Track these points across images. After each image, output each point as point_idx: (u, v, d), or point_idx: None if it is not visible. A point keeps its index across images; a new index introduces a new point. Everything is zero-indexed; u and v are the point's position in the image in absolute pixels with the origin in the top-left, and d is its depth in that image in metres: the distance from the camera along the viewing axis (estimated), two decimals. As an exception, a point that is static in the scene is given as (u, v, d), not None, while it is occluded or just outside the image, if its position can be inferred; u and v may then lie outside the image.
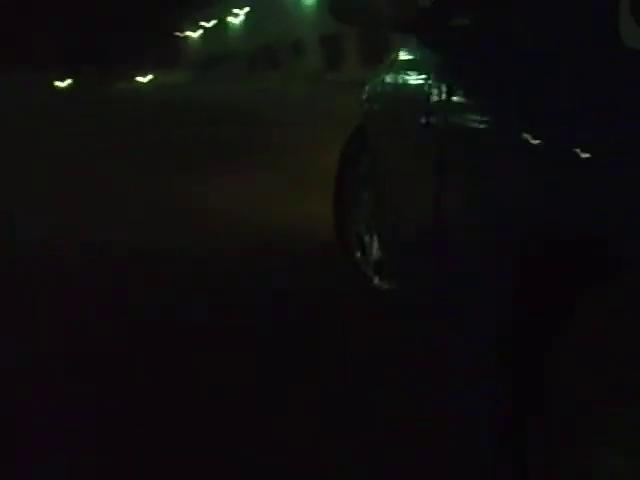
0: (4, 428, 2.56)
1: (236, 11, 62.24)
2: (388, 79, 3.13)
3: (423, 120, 2.08)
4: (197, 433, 2.52)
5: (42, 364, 3.05)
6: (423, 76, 2.48)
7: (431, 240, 1.99)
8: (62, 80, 65.86)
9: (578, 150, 1.20)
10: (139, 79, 69.85)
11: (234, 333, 3.34)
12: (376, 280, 3.56)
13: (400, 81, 2.88)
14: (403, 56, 2.94)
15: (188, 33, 77.76)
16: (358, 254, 3.73)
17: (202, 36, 74.83)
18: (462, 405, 1.81)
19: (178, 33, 78.39)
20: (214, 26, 69.27)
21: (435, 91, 2.07)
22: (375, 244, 3.50)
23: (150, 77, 70.44)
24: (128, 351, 3.20)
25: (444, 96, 1.95)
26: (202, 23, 72.52)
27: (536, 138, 1.36)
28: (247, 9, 59.78)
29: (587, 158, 1.18)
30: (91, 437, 2.51)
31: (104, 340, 3.33)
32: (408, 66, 2.79)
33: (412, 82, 2.62)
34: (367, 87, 3.56)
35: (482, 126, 1.66)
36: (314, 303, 3.65)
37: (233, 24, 64.44)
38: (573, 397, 1.21)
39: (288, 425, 2.56)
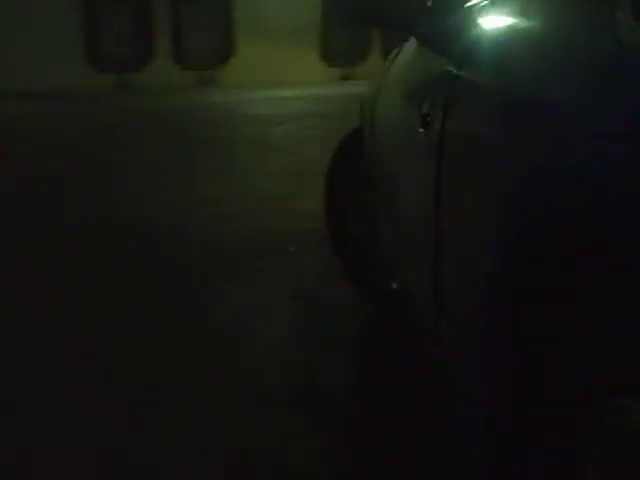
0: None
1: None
2: (387, 80, 3.13)
3: (422, 120, 2.09)
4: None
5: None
6: (423, 76, 2.48)
7: (431, 239, 1.99)
8: None
9: (578, 148, 1.21)
10: None
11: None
12: (375, 280, 3.56)
13: (399, 81, 2.88)
14: (402, 56, 2.94)
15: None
16: (356, 254, 3.72)
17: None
18: (461, 404, 1.81)
19: None
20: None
21: (435, 90, 2.07)
22: (374, 243, 3.49)
23: None
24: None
25: (444, 95, 1.95)
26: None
27: (535, 136, 1.36)
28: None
29: (587, 156, 1.18)
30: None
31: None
32: (408, 66, 2.79)
33: (412, 82, 2.62)
34: (366, 89, 3.56)
35: (483, 125, 1.67)
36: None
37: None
38: (573, 397, 1.22)
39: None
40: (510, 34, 1.71)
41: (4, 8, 16.06)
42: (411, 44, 2.68)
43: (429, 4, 2.34)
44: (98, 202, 5.84)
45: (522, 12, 1.70)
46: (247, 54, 16.23)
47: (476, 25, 1.94)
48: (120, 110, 11.90)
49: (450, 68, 1.96)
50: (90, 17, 16.56)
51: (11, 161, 7.67)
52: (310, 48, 17.31)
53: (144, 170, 7.05)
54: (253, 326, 3.36)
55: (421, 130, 2.09)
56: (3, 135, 9.59)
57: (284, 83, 13.57)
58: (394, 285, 3.09)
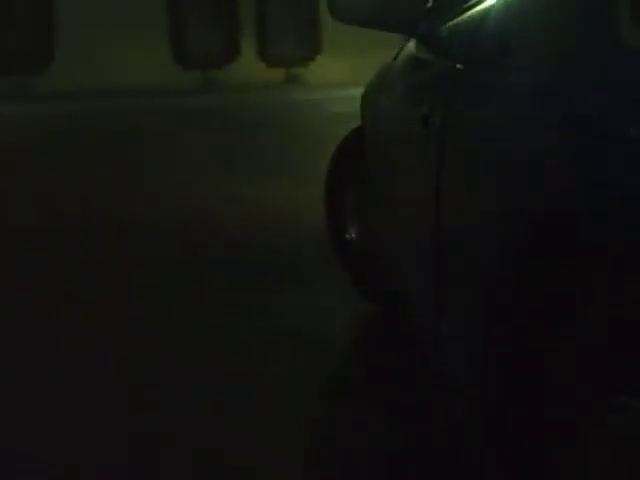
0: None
1: None
2: (388, 80, 3.14)
3: (422, 120, 2.09)
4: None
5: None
6: (423, 76, 2.48)
7: (431, 239, 1.99)
8: None
9: (578, 147, 1.21)
10: None
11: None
12: (375, 280, 3.55)
13: (400, 81, 2.88)
14: (403, 55, 2.94)
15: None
16: (356, 254, 3.72)
17: None
18: (461, 404, 1.81)
19: None
20: None
21: (435, 90, 2.08)
22: (374, 243, 3.49)
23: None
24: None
25: (444, 95, 1.95)
26: None
27: (535, 136, 1.36)
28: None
29: (587, 156, 1.18)
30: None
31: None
32: (408, 66, 2.79)
33: (412, 82, 2.62)
34: (367, 87, 3.56)
35: (483, 124, 1.67)
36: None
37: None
38: (573, 396, 1.22)
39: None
40: (510, 35, 1.71)
41: (99, 9, 16.46)
42: (411, 44, 2.68)
43: (429, 5, 2.34)
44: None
45: (522, 12, 1.70)
46: (332, 52, 16.21)
47: (476, 26, 1.94)
48: (203, 108, 11.97)
49: (450, 68, 1.96)
50: (177, 15, 16.87)
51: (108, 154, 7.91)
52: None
53: (217, 170, 7.05)
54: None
55: (421, 130, 2.10)
56: (102, 130, 9.86)
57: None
58: (394, 285, 3.09)
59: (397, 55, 3.07)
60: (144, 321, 3.47)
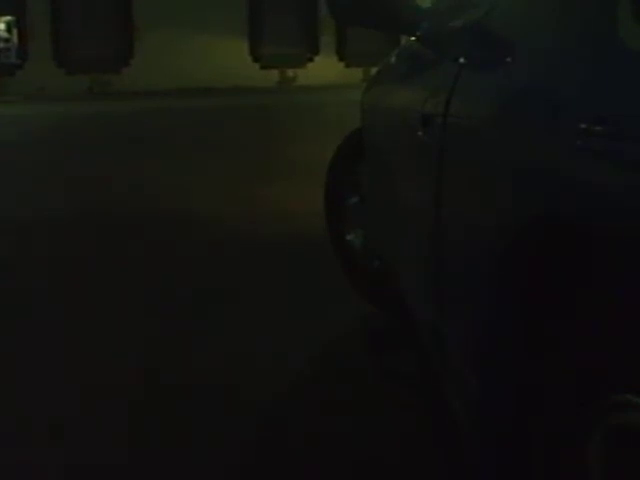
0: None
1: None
2: (388, 79, 3.14)
3: (423, 120, 2.09)
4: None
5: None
6: (423, 76, 2.49)
7: (432, 239, 1.99)
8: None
9: (578, 149, 1.21)
10: None
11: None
12: (375, 280, 3.56)
13: (400, 82, 2.89)
14: (403, 56, 2.94)
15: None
16: (354, 255, 3.72)
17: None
18: (461, 403, 1.81)
19: None
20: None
21: (435, 90, 2.08)
22: (372, 245, 3.49)
23: None
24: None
25: (444, 95, 1.95)
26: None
27: (535, 136, 1.37)
28: None
29: (588, 157, 1.19)
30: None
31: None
32: (408, 67, 2.80)
33: (412, 82, 2.63)
34: (366, 88, 3.56)
35: (483, 125, 1.67)
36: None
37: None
38: (574, 394, 1.22)
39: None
40: (511, 36, 1.72)
41: (182, 14, 16.95)
42: (411, 44, 2.69)
43: (429, 6, 2.34)
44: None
45: (523, 13, 1.71)
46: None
47: (476, 27, 1.94)
48: (278, 106, 12.26)
49: (451, 68, 1.97)
50: (255, 19, 17.37)
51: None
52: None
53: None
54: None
55: (422, 130, 2.10)
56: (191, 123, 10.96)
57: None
58: (395, 286, 3.09)
59: (397, 55, 3.08)
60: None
